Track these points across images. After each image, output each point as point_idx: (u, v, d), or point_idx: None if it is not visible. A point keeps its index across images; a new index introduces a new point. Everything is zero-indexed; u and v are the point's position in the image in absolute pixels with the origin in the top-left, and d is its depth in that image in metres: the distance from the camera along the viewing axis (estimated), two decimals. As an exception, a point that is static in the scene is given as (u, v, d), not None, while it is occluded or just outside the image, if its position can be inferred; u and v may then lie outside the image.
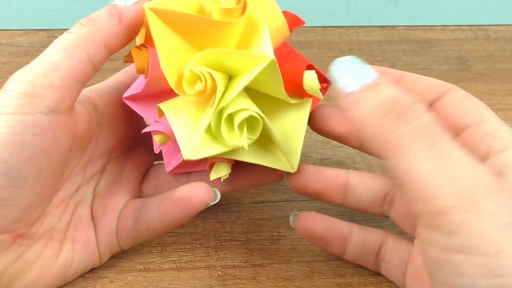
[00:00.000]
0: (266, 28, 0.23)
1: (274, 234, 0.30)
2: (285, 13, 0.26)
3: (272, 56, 0.22)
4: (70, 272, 0.26)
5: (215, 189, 0.26)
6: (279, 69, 0.23)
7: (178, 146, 0.24)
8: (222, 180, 0.26)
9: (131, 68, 0.30)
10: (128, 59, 0.26)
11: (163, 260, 0.29)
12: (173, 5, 0.23)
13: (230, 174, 0.26)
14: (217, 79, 0.23)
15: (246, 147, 0.24)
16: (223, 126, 0.24)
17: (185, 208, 0.25)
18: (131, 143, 0.30)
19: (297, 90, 0.25)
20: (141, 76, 0.26)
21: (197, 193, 0.25)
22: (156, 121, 0.26)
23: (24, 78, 0.22)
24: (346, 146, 0.27)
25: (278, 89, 0.24)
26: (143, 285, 0.27)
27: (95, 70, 0.24)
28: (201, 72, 0.23)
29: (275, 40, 0.25)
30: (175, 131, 0.24)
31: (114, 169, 0.29)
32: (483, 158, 0.21)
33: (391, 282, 0.27)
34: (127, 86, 0.28)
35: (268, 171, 0.26)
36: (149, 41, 0.25)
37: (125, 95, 0.27)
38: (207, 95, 0.23)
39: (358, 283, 0.28)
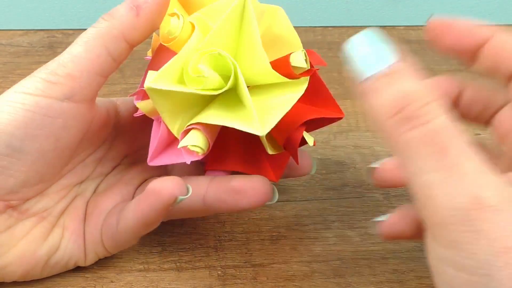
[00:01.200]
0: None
1: (274, 234, 0.30)
2: (309, 52, 0.25)
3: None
4: (54, 260, 0.26)
5: (188, 185, 0.25)
6: (254, 15, 0.23)
7: (158, 129, 0.24)
8: (191, 149, 0.24)
9: None
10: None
11: (163, 260, 0.29)
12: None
13: (205, 185, 0.25)
14: (196, 27, 0.24)
15: (207, 75, 0.23)
16: (192, 63, 0.23)
17: (155, 201, 0.24)
18: (144, 154, 0.29)
19: (288, 73, 0.24)
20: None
21: (166, 186, 0.24)
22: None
23: (47, 66, 0.24)
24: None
25: (254, 44, 0.23)
26: (143, 285, 0.27)
27: (116, 63, 0.24)
28: (181, 15, 0.24)
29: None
30: (148, 74, 0.23)
31: (120, 173, 0.29)
32: None
33: (391, 282, 0.27)
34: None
35: (248, 189, 0.25)
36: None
37: (133, 96, 0.27)
38: (184, 42, 0.24)
39: (358, 283, 0.28)
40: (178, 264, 0.28)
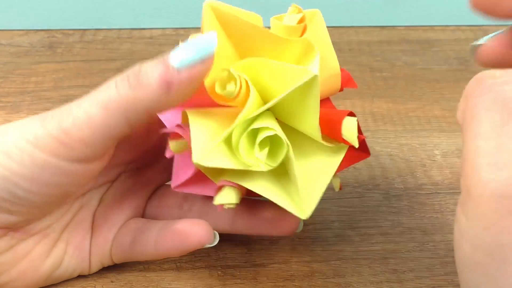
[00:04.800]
0: (318, 56, 0.22)
1: (274, 234, 0.30)
2: (341, 70, 0.25)
3: (315, 72, 0.20)
4: (57, 273, 0.26)
5: (215, 231, 0.25)
6: (319, 90, 0.21)
7: (190, 160, 0.22)
8: (225, 207, 0.24)
9: None
10: None
11: (163, 260, 0.29)
12: (233, 10, 0.22)
13: (234, 210, 0.25)
14: (252, 89, 0.22)
15: (263, 168, 0.22)
16: (243, 141, 0.22)
17: (181, 244, 0.25)
18: (149, 159, 0.29)
19: (333, 133, 0.24)
20: None
21: (195, 232, 0.25)
22: (178, 125, 0.24)
23: (61, 121, 0.22)
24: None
25: (311, 117, 0.22)
26: (143, 285, 0.27)
27: (132, 130, 0.23)
28: (239, 76, 0.22)
29: (323, 88, 0.24)
30: (192, 132, 0.22)
31: (126, 181, 0.28)
32: None
33: (391, 282, 0.27)
34: None
35: (279, 220, 0.25)
36: None
37: None
38: (237, 103, 0.22)
39: (358, 283, 0.28)
40: (178, 264, 0.28)
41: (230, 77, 0.22)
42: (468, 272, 0.17)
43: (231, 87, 0.22)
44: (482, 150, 0.17)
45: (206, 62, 0.21)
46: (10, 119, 0.38)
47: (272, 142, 0.23)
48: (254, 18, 0.23)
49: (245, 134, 0.22)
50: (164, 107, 0.22)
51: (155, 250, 0.26)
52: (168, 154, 0.24)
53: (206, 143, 0.22)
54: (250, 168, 0.22)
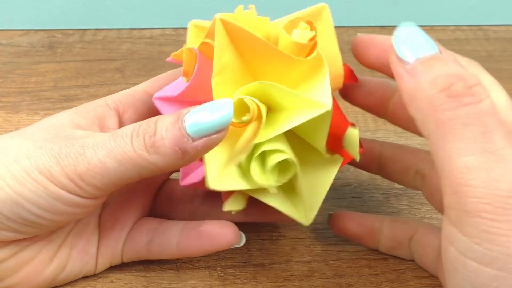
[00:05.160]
0: (328, 75, 0.22)
1: (274, 234, 0.30)
2: (343, 65, 0.25)
3: (329, 106, 0.21)
4: (61, 277, 0.26)
5: (241, 232, 0.26)
6: (330, 120, 0.22)
7: (198, 164, 0.23)
8: (233, 212, 0.25)
9: (160, 79, 0.28)
10: (176, 58, 0.25)
11: (163, 260, 0.29)
12: (244, 22, 0.22)
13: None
14: (263, 113, 0.22)
15: (275, 191, 0.23)
16: (254, 164, 0.23)
17: (210, 245, 0.26)
18: None
19: (333, 145, 0.25)
20: (180, 80, 0.25)
21: (224, 233, 0.26)
22: None
23: (77, 165, 0.22)
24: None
25: (319, 140, 0.23)
26: (143, 285, 0.27)
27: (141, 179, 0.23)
28: (251, 104, 0.22)
29: None
30: (206, 159, 0.23)
31: None
32: None
33: (391, 282, 0.27)
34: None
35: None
36: (202, 47, 0.24)
37: (157, 94, 0.26)
38: (247, 125, 0.23)
39: (358, 283, 0.28)
40: (178, 264, 0.28)
41: (242, 105, 0.22)
42: None
43: (246, 118, 0.22)
44: (471, 165, 0.17)
45: (222, 132, 0.21)
46: (10, 119, 0.38)
47: (281, 161, 0.23)
48: (261, 21, 0.24)
49: (255, 157, 0.23)
50: (177, 168, 0.23)
51: (178, 250, 0.26)
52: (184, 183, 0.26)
53: (219, 167, 0.23)
54: (260, 187, 0.23)
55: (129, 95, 0.27)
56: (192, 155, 0.21)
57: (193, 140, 0.21)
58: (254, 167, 0.23)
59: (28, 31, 0.48)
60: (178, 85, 0.25)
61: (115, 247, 0.27)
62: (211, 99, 0.22)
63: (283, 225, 0.31)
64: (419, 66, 0.19)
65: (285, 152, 0.22)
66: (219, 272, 0.28)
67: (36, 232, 0.24)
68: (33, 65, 0.44)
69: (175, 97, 0.25)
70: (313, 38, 0.22)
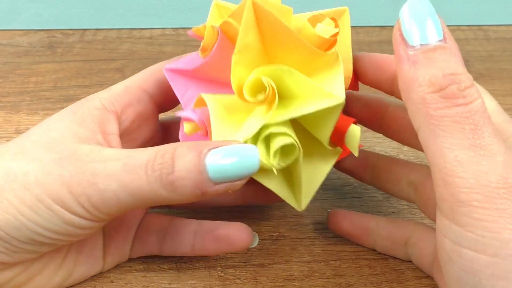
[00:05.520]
0: (342, 71, 0.23)
1: (274, 234, 0.30)
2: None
3: (343, 99, 0.21)
4: (69, 281, 0.26)
5: (255, 233, 0.27)
6: (340, 112, 0.22)
7: (200, 137, 0.23)
8: (230, 192, 0.24)
9: (154, 74, 0.27)
10: (196, 33, 0.25)
11: (163, 260, 0.29)
12: (271, 7, 0.22)
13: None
14: (276, 97, 0.22)
15: (275, 172, 0.23)
16: (260, 144, 0.23)
17: (226, 247, 0.26)
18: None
19: (335, 138, 0.25)
20: (194, 55, 0.25)
21: (240, 236, 0.26)
22: (193, 110, 0.24)
23: (90, 196, 0.21)
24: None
25: (325, 132, 0.24)
26: (143, 285, 0.27)
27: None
28: (268, 84, 0.22)
29: None
30: (214, 131, 0.23)
31: None
32: None
33: (391, 282, 0.27)
34: (151, 95, 0.27)
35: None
36: (224, 26, 0.24)
37: (168, 66, 0.25)
38: (259, 104, 0.23)
39: (358, 283, 0.28)
40: (178, 264, 0.28)
41: (259, 84, 0.22)
42: (473, 277, 0.18)
43: (261, 97, 0.22)
44: (461, 159, 0.18)
45: (244, 180, 0.21)
46: (10, 119, 0.38)
47: (284, 145, 0.23)
48: (286, 10, 0.24)
49: (261, 138, 0.23)
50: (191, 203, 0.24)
51: (192, 251, 0.27)
52: (182, 137, 0.25)
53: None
54: (264, 167, 0.23)
55: (124, 93, 0.26)
56: (211, 196, 0.21)
57: (215, 184, 0.21)
58: (260, 147, 0.23)
59: (28, 31, 0.48)
60: (192, 59, 0.25)
61: (123, 247, 0.27)
62: (226, 78, 0.23)
63: (283, 225, 0.31)
64: (421, 56, 0.19)
65: (291, 137, 0.23)
66: (219, 272, 0.28)
67: (49, 249, 0.24)
68: (33, 65, 0.44)
69: (190, 71, 0.25)
70: (335, 35, 0.23)
